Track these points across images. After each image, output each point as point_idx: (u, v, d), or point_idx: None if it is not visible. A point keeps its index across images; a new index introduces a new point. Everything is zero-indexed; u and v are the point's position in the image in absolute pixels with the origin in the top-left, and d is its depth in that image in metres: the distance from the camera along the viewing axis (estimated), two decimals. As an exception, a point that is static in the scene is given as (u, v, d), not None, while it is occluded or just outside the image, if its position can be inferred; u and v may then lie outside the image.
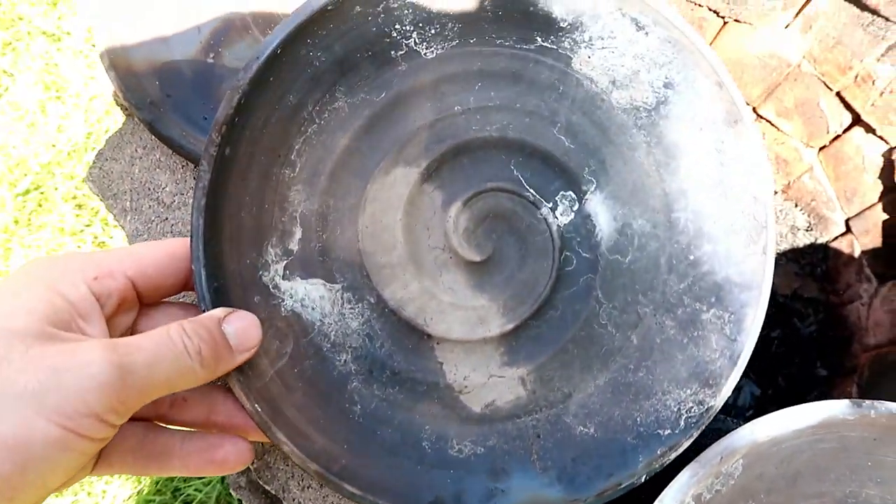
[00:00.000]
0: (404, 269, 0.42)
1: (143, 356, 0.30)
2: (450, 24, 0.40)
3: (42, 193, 1.15)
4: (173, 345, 0.32)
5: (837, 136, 0.61)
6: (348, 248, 0.41)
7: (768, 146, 0.70)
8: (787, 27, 0.56)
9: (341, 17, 0.38)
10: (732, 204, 0.42)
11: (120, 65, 0.48)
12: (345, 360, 0.41)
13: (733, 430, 0.44)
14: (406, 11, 0.39)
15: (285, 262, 0.41)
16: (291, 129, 0.39)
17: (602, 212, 0.43)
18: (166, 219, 0.50)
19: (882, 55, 0.52)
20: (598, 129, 0.42)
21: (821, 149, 0.64)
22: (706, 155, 0.42)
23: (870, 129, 0.57)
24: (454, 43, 0.40)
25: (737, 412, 0.65)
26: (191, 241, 0.37)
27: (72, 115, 1.19)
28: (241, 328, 0.36)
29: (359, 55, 0.39)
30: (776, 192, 0.73)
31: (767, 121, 0.66)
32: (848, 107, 0.57)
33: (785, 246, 0.70)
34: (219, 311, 0.36)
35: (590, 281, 0.43)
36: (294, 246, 0.41)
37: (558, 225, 0.43)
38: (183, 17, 0.49)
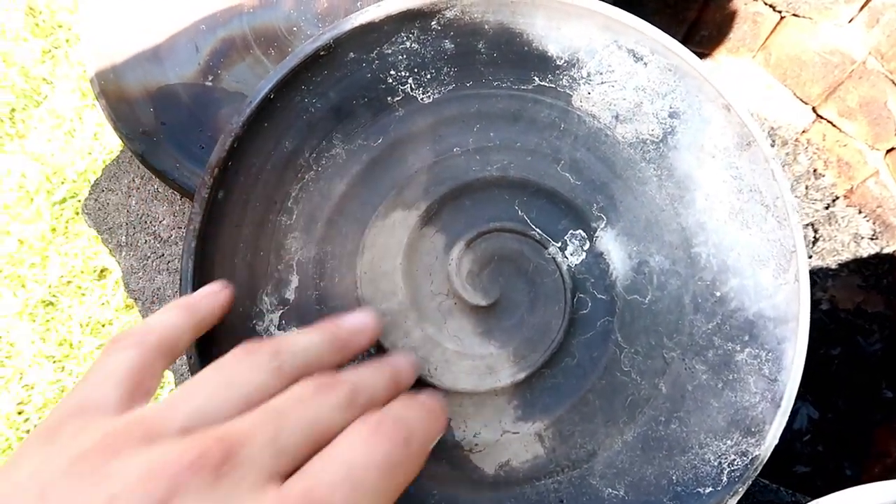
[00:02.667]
0: (406, 316, 0.40)
1: None
2: (445, 68, 0.40)
3: (79, 201, 1.15)
4: None
5: (907, 139, 0.57)
6: (346, 296, 0.40)
7: (829, 148, 0.65)
8: (850, 21, 0.53)
9: (335, 63, 0.38)
10: (755, 232, 0.39)
11: (111, 90, 0.45)
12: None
13: (789, 503, 0.38)
14: (401, 57, 0.39)
15: (281, 311, 0.39)
16: (287, 176, 0.39)
17: (615, 250, 0.40)
18: (162, 255, 0.48)
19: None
20: (604, 165, 0.41)
21: (888, 151, 0.59)
22: (722, 183, 0.39)
23: (944, 133, 0.52)
24: (451, 87, 0.40)
25: (792, 436, 0.58)
26: (180, 285, 0.35)
27: (106, 122, 1.20)
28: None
29: (355, 102, 0.40)
30: (837, 198, 0.68)
31: (828, 121, 0.62)
32: (919, 108, 0.54)
33: (847, 256, 0.65)
34: None
35: (607, 324, 0.40)
36: (290, 295, 0.39)
37: (569, 265, 0.40)
38: (180, 35, 0.46)
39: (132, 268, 0.48)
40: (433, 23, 0.38)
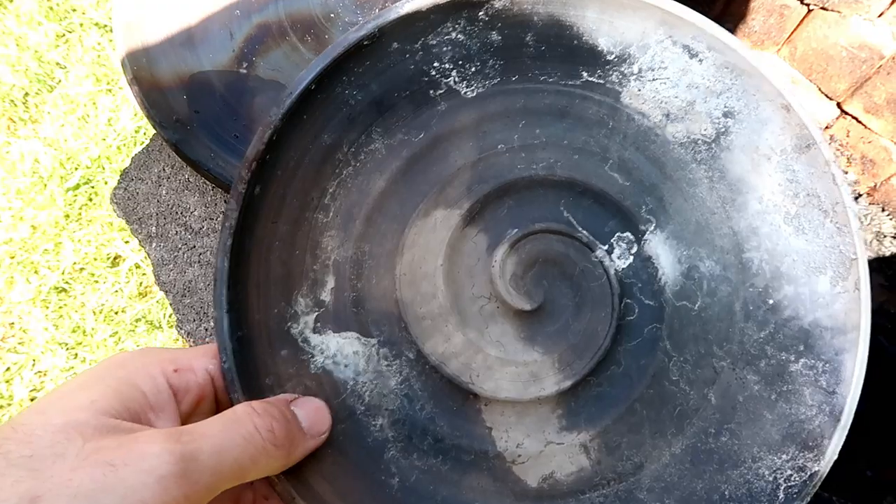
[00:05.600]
0: (446, 320, 0.38)
1: (209, 443, 0.27)
2: (491, 61, 0.38)
3: (92, 188, 1.13)
4: (241, 426, 0.29)
5: (935, 136, 0.55)
6: (385, 298, 0.38)
7: (853, 145, 0.64)
8: (880, 15, 0.52)
9: (378, 54, 0.36)
10: (812, 238, 0.37)
11: (144, 77, 0.44)
12: (381, 425, 0.37)
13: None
14: (445, 49, 0.37)
15: (316, 313, 0.37)
16: (325, 171, 0.37)
17: (664, 254, 0.39)
18: (194, 246, 0.47)
19: None
20: (653, 165, 0.39)
21: (915, 150, 0.59)
22: (777, 186, 0.38)
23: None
24: (495, 81, 0.39)
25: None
26: (214, 284, 0.34)
27: (121, 107, 1.18)
28: (312, 410, 0.34)
29: (396, 95, 0.38)
30: (860, 196, 0.67)
31: (853, 117, 0.61)
32: (947, 105, 0.53)
33: (869, 255, 0.64)
34: (286, 395, 0.35)
35: (655, 331, 0.38)
36: (326, 296, 0.37)
37: (616, 269, 0.39)
38: (214, 21, 0.45)
39: (162, 259, 0.46)
40: (481, 13, 0.37)
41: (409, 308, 0.38)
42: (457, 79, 0.38)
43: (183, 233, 0.47)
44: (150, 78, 0.44)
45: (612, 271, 0.38)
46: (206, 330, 0.45)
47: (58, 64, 1.21)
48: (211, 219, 0.47)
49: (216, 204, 0.47)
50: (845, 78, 0.60)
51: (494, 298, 0.38)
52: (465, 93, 0.38)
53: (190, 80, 0.44)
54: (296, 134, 0.36)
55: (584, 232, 0.39)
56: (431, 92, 0.38)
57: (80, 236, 1.10)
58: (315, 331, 0.37)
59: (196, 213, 0.47)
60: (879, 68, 0.56)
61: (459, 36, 0.37)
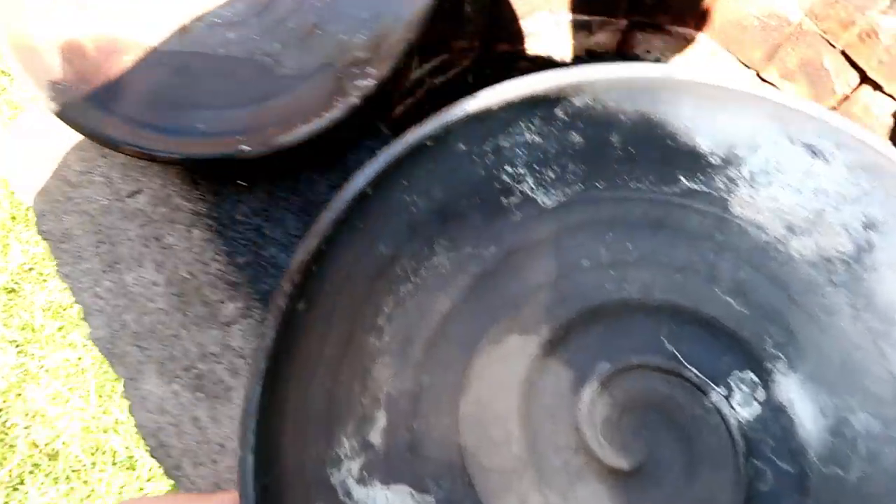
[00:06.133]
0: (521, 476, 0.30)
1: None
2: (571, 165, 0.33)
3: None
4: None
5: (846, 97, 0.59)
6: (445, 443, 0.31)
7: None
8: None
9: (442, 156, 0.32)
10: None
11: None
12: None
13: None
14: (519, 152, 0.33)
15: (363, 459, 0.30)
16: (380, 287, 0.32)
17: (801, 401, 0.30)
18: (71, 198, 0.51)
19: (888, 6, 0.50)
20: (777, 287, 0.32)
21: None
22: (949, 315, 0.29)
23: (877, 87, 0.55)
24: (578, 188, 0.34)
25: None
26: (242, 416, 0.28)
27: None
28: None
29: (464, 202, 0.33)
30: None
31: (771, 84, 0.66)
32: (854, 65, 0.56)
33: None
34: None
35: (798, 505, 0.29)
36: (376, 438, 0.31)
37: (738, 419, 0.30)
38: None
39: (43, 211, 0.51)
40: (558, 111, 0.32)
41: (475, 458, 0.30)
42: (533, 185, 0.33)
43: (62, 186, 0.52)
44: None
45: (733, 422, 0.30)
46: (83, 272, 0.49)
47: (2, 72, 1.29)
48: (89, 172, 0.52)
49: (94, 159, 0.53)
50: (759, 46, 0.64)
51: (582, 451, 0.31)
52: (543, 201, 0.33)
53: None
54: (348, 243, 0.31)
55: (694, 370, 0.31)
56: (504, 200, 0.33)
57: (28, 237, 1.14)
58: (360, 481, 0.30)
59: (75, 168, 0.52)
60: (789, 35, 0.60)
61: (535, 137, 0.33)
